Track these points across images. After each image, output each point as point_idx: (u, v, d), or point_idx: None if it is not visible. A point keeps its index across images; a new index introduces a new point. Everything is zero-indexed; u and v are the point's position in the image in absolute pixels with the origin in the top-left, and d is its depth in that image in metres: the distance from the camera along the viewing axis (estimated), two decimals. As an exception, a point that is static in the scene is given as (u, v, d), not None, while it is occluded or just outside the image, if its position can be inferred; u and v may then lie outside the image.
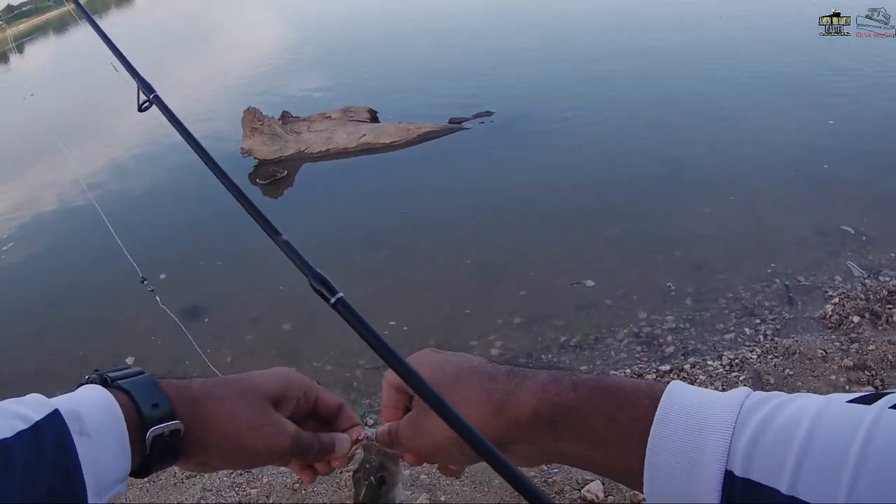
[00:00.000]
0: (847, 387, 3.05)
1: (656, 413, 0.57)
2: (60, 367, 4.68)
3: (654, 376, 3.44)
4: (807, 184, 5.55)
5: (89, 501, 0.60)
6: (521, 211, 5.87)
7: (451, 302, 4.69)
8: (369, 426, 0.82)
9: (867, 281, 4.03)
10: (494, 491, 2.68)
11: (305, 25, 20.09)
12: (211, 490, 3.01)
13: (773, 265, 4.40)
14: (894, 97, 6.93)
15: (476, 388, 0.66)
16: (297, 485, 2.91)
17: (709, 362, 3.53)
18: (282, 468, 3.02)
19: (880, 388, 3.02)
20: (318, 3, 25.90)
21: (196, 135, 0.79)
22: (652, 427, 0.57)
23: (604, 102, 8.17)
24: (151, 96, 0.86)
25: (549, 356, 3.94)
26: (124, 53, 0.90)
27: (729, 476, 0.52)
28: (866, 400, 0.50)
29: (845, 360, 3.25)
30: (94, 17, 1.05)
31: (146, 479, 3.16)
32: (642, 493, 0.58)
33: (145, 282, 5.17)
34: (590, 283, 4.56)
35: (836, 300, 3.85)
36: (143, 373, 0.71)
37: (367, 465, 0.81)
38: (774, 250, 4.58)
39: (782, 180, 5.62)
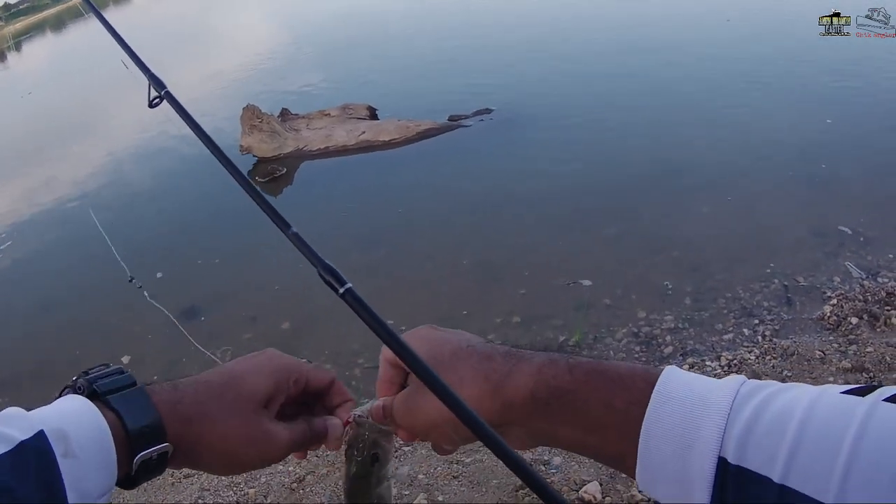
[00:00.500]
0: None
1: (651, 398, 0.57)
2: (59, 368, 4.65)
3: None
4: (805, 184, 5.55)
5: None
6: (519, 209, 5.87)
7: (449, 301, 4.69)
8: (362, 403, 0.81)
9: (865, 282, 4.03)
10: (492, 491, 2.67)
11: (304, 23, 20.08)
12: (209, 490, 3.01)
13: (771, 265, 4.40)
14: (893, 98, 6.94)
15: (473, 369, 0.66)
16: (295, 484, 2.90)
17: (707, 363, 3.53)
18: (279, 468, 3.02)
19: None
20: (318, 2, 25.87)
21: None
22: (646, 412, 0.57)
23: (603, 102, 8.16)
24: (163, 92, 0.86)
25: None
26: (134, 50, 0.90)
27: (722, 463, 0.52)
28: (860, 392, 0.50)
29: (843, 361, 3.25)
30: (90, 14, 1.05)
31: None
32: (635, 478, 0.58)
33: (133, 280, 5.17)
34: (586, 282, 4.56)
35: (835, 301, 3.84)
36: (133, 381, 0.69)
37: (360, 442, 0.79)
38: (773, 251, 4.58)
39: (780, 180, 5.62)
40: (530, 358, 0.66)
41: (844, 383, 3.07)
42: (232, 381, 0.74)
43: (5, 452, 0.57)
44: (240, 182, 0.73)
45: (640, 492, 2.50)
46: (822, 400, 0.51)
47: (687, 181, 5.84)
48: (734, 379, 0.57)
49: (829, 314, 3.73)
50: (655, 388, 0.58)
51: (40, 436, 0.59)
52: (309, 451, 0.81)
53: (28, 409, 0.63)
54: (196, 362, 4.28)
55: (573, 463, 2.77)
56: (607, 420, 0.60)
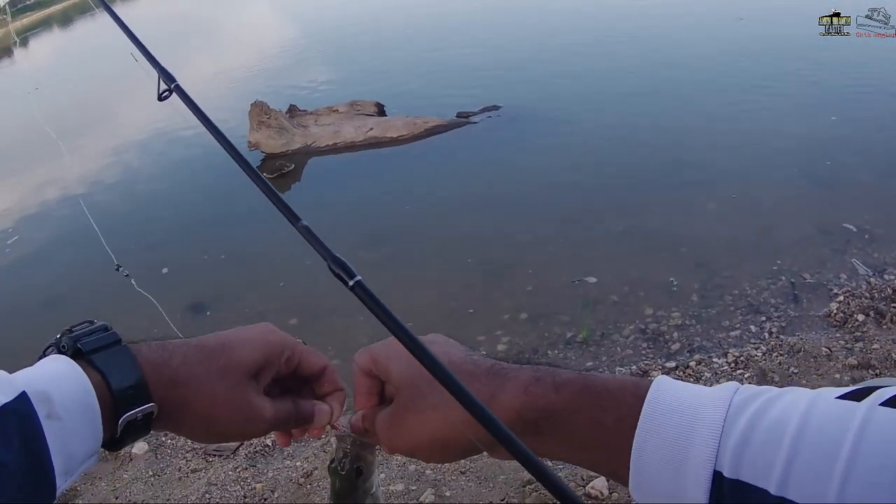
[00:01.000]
0: (850, 386, 3.04)
1: (642, 412, 0.56)
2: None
3: (660, 373, 3.43)
4: (810, 181, 5.52)
5: (58, 482, 0.59)
6: (526, 206, 5.86)
7: (456, 297, 4.68)
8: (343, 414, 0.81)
9: (872, 279, 4.02)
10: (500, 487, 2.68)
11: (313, 21, 20.05)
12: (216, 484, 3.02)
13: (777, 262, 4.39)
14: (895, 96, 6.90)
15: None
16: (303, 479, 2.91)
17: (714, 359, 3.52)
18: (286, 462, 3.03)
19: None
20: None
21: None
22: (637, 428, 0.56)
23: (612, 99, 8.13)
24: (172, 85, 0.86)
25: (556, 352, 3.94)
26: (143, 43, 0.91)
27: (717, 477, 0.52)
28: (856, 395, 0.50)
29: (849, 358, 3.24)
30: (100, 8, 1.05)
31: (151, 474, 3.18)
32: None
33: (120, 268, 5.17)
34: (591, 279, 4.56)
35: (841, 298, 3.83)
36: (118, 338, 0.69)
37: (343, 456, 0.79)
38: (779, 248, 4.57)
39: (785, 177, 5.59)
40: (515, 376, 0.64)
41: (850, 380, 3.07)
42: (224, 347, 0.74)
43: None
44: (249, 174, 0.73)
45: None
46: (818, 406, 0.51)
47: (693, 178, 5.82)
48: (727, 387, 0.56)
49: (835, 311, 3.72)
50: (646, 401, 0.57)
51: (23, 398, 0.58)
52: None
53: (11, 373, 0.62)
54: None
55: (579, 459, 2.77)
56: (597, 438, 0.59)
